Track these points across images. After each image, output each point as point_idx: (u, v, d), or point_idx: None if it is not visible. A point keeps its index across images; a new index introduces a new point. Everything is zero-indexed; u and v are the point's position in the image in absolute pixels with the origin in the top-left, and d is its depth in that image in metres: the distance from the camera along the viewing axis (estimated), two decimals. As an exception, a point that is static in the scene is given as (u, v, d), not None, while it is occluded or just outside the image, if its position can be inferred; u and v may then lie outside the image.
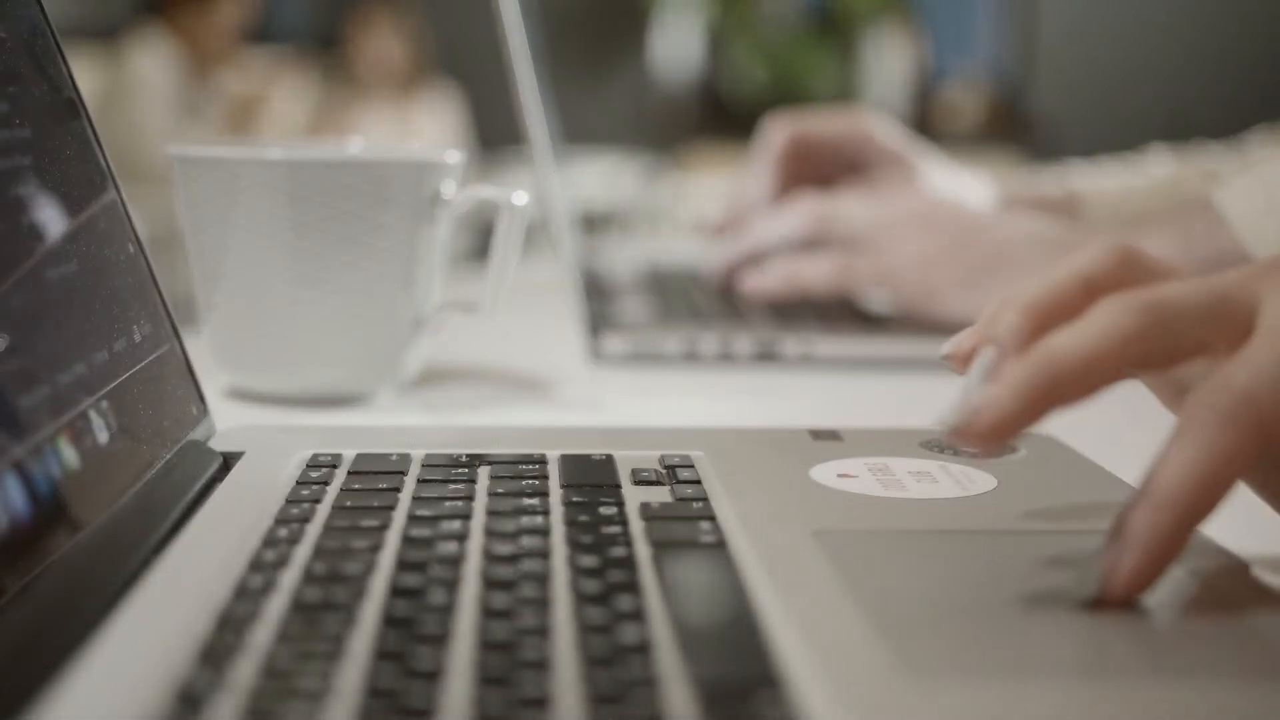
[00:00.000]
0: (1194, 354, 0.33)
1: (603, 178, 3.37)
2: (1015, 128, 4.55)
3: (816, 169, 0.90)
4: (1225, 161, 0.87)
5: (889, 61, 4.55)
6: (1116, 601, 0.30)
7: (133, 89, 2.78)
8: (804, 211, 0.78)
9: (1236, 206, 0.65)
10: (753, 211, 0.89)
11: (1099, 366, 0.32)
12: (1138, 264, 0.35)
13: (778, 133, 0.90)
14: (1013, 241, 0.73)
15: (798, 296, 0.78)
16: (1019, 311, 0.34)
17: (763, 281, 0.77)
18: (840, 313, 0.79)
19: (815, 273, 0.75)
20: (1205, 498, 0.30)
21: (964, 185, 0.89)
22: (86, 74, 2.87)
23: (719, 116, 4.61)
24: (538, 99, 0.74)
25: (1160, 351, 0.32)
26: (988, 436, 0.32)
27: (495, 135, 3.65)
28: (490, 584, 0.32)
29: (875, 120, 0.91)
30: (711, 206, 1.07)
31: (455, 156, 0.61)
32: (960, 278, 0.73)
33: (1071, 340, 0.32)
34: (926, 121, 4.47)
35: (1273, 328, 0.31)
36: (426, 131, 3.60)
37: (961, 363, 0.37)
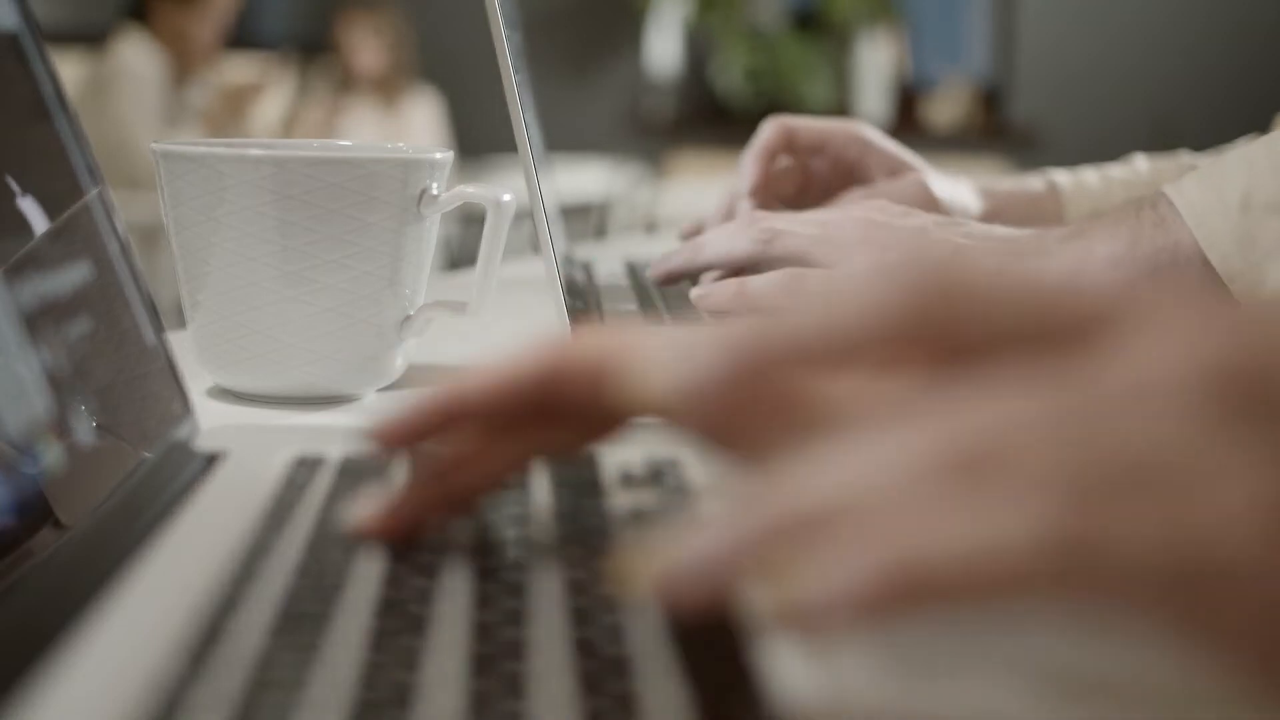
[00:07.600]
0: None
1: (588, 179, 3.36)
2: (999, 133, 4.57)
3: (804, 167, 0.90)
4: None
5: (875, 65, 4.56)
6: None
7: (119, 80, 2.76)
8: (749, 228, 0.76)
9: (1189, 201, 0.65)
10: (729, 206, 0.88)
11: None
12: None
13: (767, 129, 0.90)
14: (967, 248, 0.72)
15: (745, 310, 0.75)
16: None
17: (711, 297, 0.74)
18: None
19: (763, 286, 0.73)
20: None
21: (958, 193, 0.88)
22: (72, 75, 2.86)
23: (706, 119, 4.61)
24: (523, 102, 0.74)
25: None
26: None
27: (477, 141, 3.65)
28: (476, 586, 0.32)
29: (869, 128, 0.90)
30: (697, 207, 1.06)
31: (442, 155, 0.60)
32: None
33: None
34: (910, 125, 4.48)
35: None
36: (409, 137, 3.60)
37: None
